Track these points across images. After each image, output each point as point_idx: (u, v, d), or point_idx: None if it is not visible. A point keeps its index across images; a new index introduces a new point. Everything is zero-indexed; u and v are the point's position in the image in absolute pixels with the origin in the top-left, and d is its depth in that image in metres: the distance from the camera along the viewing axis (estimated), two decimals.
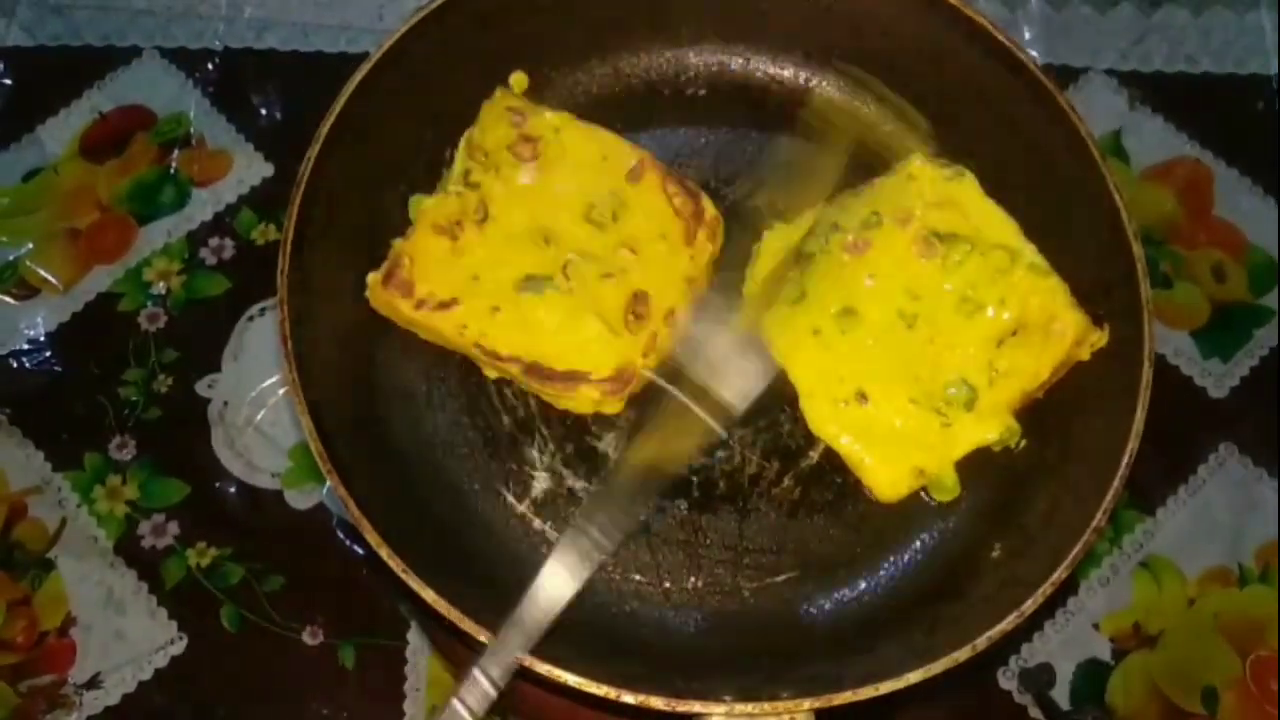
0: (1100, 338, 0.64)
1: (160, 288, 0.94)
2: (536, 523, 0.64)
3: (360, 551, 0.84)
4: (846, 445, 0.63)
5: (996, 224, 0.65)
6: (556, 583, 0.56)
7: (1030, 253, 0.64)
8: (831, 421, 0.64)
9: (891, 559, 0.65)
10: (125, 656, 0.81)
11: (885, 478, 0.63)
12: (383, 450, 0.64)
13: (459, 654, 0.72)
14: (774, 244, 0.67)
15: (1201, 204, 0.99)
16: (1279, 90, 1.03)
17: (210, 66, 1.03)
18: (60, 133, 1.00)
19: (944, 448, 0.63)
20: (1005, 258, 0.64)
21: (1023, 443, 0.66)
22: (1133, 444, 0.58)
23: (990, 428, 0.63)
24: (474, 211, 0.65)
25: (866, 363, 0.64)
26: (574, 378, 0.63)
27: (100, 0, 1.05)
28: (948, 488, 0.64)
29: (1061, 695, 0.81)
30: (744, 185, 0.74)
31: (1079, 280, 0.65)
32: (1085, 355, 0.64)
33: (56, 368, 0.91)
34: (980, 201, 0.66)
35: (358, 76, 0.65)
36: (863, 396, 0.63)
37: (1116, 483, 0.58)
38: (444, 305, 0.64)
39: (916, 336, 0.64)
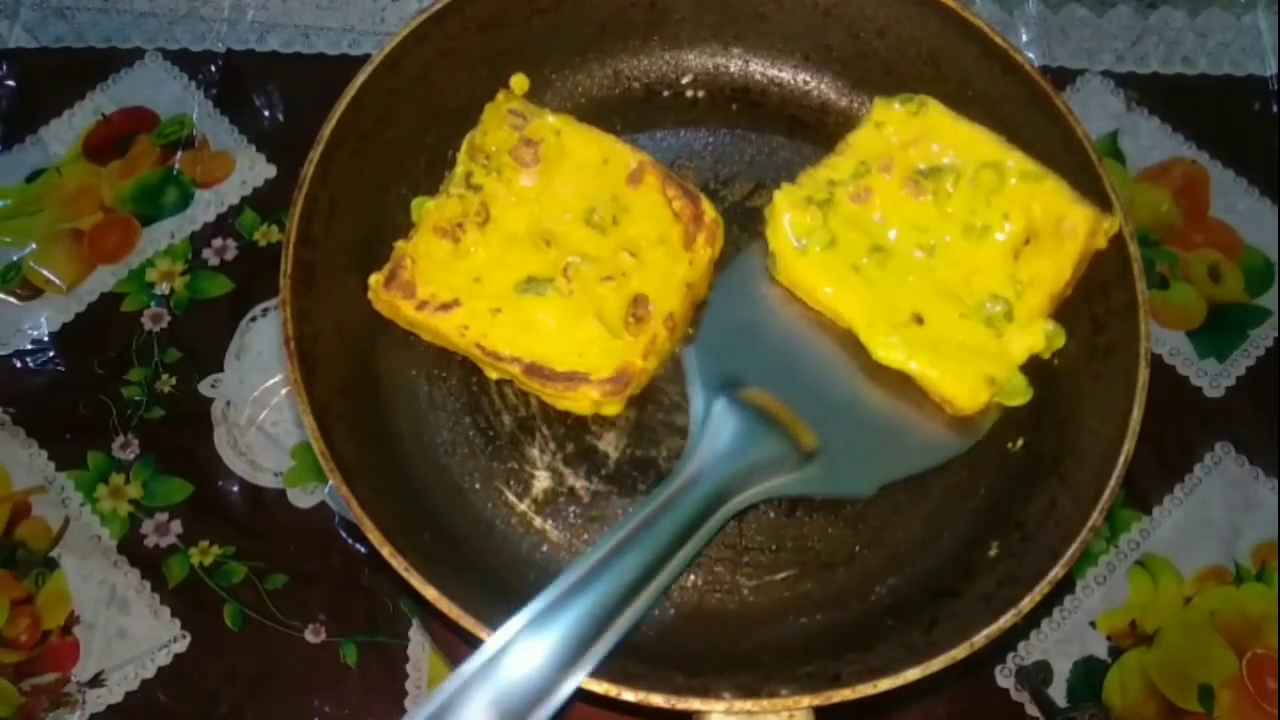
0: (1113, 223, 0.64)
1: (163, 288, 0.94)
2: (537, 521, 0.64)
3: (362, 550, 0.84)
4: (918, 368, 0.63)
5: (974, 142, 0.66)
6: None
7: (1017, 160, 0.65)
8: (897, 347, 0.63)
9: (890, 557, 0.65)
10: (128, 655, 0.81)
11: (964, 389, 0.63)
12: (385, 449, 0.64)
13: (460, 652, 0.72)
14: (785, 203, 0.67)
15: (1198, 205, 0.99)
16: (1275, 91, 1.04)
17: (213, 68, 1.03)
18: (63, 134, 1.00)
19: (1004, 355, 0.63)
20: (993, 175, 0.65)
21: (1020, 441, 0.66)
22: (1129, 443, 0.59)
23: (1033, 336, 0.63)
24: (475, 214, 0.66)
25: (910, 289, 0.64)
26: (574, 379, 0.63)
27: (103, 2, 1.06)
28: (1020, 389, 0.64)
29: (1058, 693, 0.81)
30: (743, 187, 0.74)
31: (1078, 280, 0.66)
32: (1102, 244, 0.65)
33: (60, 368, 0.91)
34: (952, 125, 0.67)
35: (360, 79, 0.66)
36: (918, 318, 0.64)
37: (1113, 482, 0.58)
38: (445, 306, 0.64)
39: (942, 264, 0.65)
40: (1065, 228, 0.63)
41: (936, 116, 0.67)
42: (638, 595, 0.53)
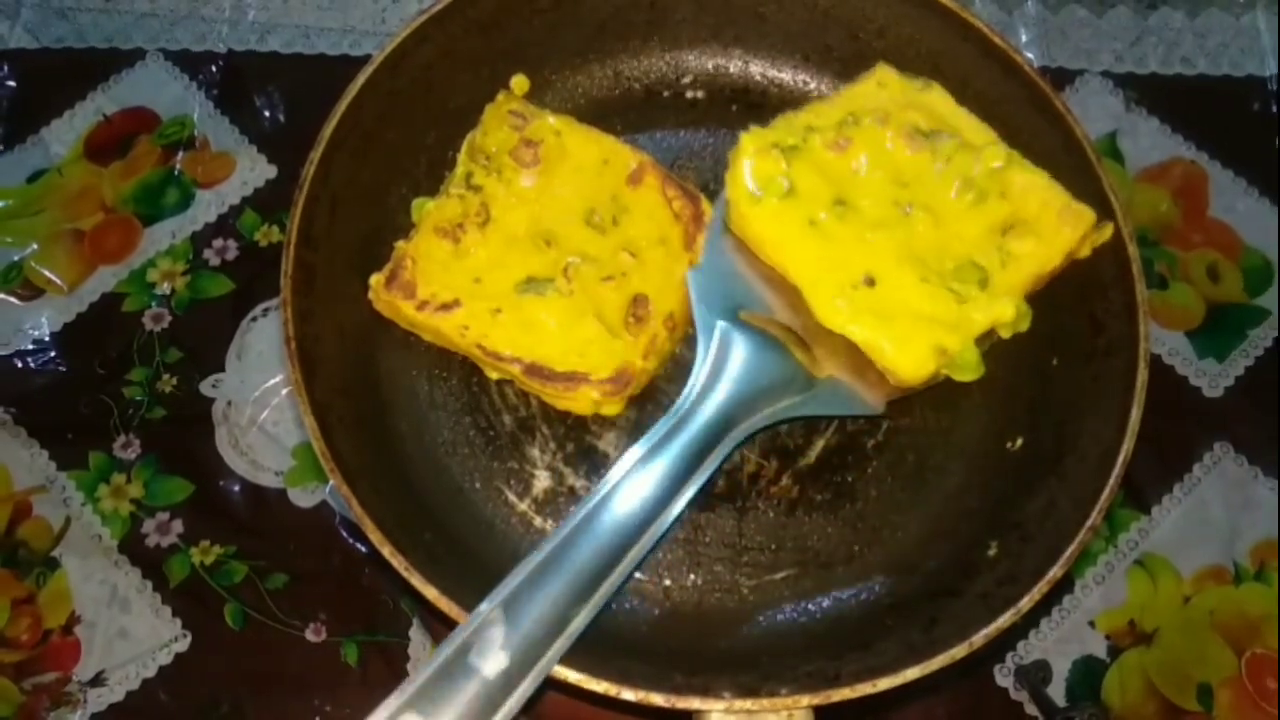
0: (1103, 232, 0.63)
1: (164, 288, 0.94)
2: (537, 521, 0.64)
3: (363, 549, 0.84)
4: (859, 331, 0.60)
5: (975, 128, 0.65)
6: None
7: (1017, 156, 0.64)
8: (840, 311, 0.60)
9: (889, 557, 0.65)
10: (129, 654, 0.81)
11: (906, 358, 0.60)
12: (385, 449, 0.64)
13: None
14: (750, 147, 0.64)
15: (1197, 205, 0.99)
16: (1274, 92, 1.04)
17: (214, 69, 1.04)
18: (65, 135, 1.01)
19: (962, 325, 0.60)
20: (997, 154, 0.63)
21: (1019, 441, 0.66)
22: (1128, 443, 0.59)
23: (1004, 307, 0.60)
24: (476, 214, 0.66)
25: (868, 248, 0.61)
26: (574, 379, 0.64)
27: (104, 3, 1.06)
28: (971, 365, 0.61)
29: (1057, 692, 0.81)
30: None
31: (1076, 280, 0.66)
32: (1086, 251, 0.64)
33: (61, 368, 0.91)
34: (954, 108, 0.66)
35: (360, 79, 0.66)
36: (870, 280, 0.60)
37: (1112, 481, 0.58)
38: (446, 307, 0.64)
39: (916, 222, 0.62)
40: (1062, 218, 0.62)
41: (940, 97, 0.66)
42: (648, 527, 0.53)
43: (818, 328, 0.61)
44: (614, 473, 0.54)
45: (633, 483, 0.54)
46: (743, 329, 0.61)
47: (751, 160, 0.63)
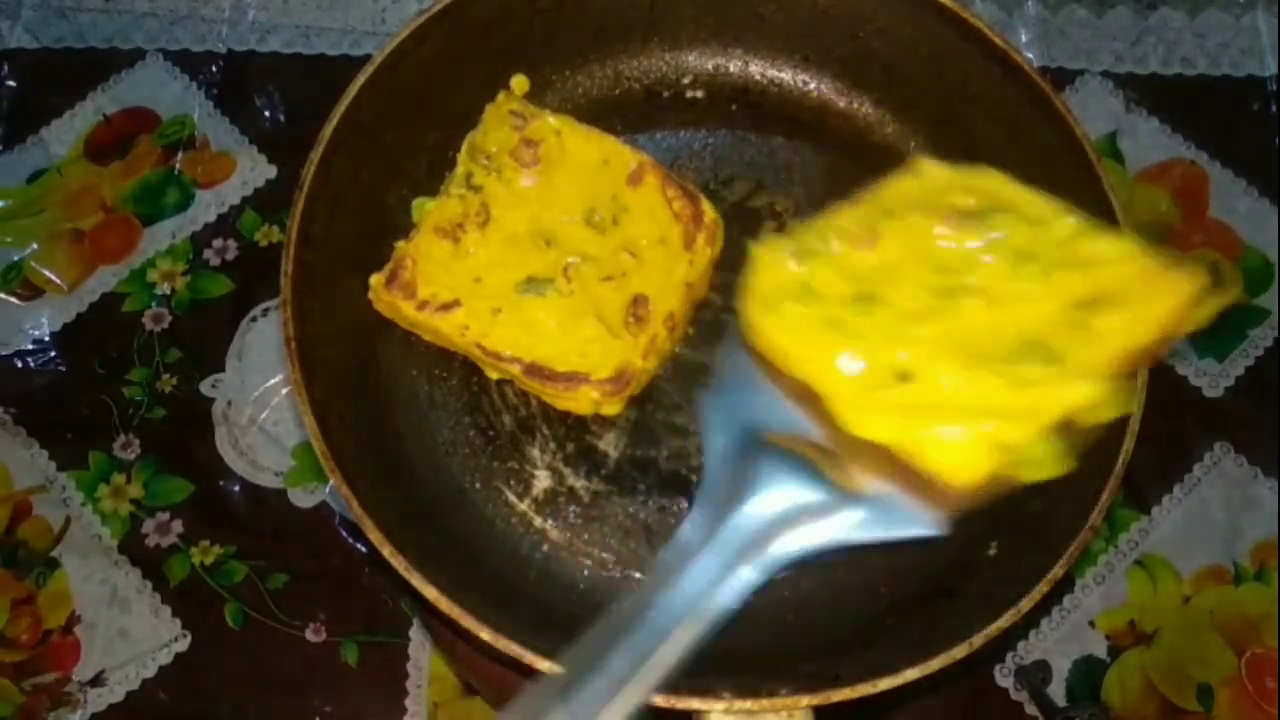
0: (1224, 295, 0.50)
1: (164, 288, 0.94)
2: (537, 521, 0.64)
3: (363, 549, 0.84)
4: (890, 434, 0.50)
5: (1037, 203, 0.54)
6: None
7: (1095, 224, 0.52)
8: (872, 414, 0.50)
9: (889, 557, 0.65)
10: (129, 654, 0.81)
11: (952, 457, 0.49)
12: (385, 449, 0.64)
13: (461, 651, 0.73)
14: (764, 259, 0.56)
15: (1197, 205, 0.99)
16: (1274, 92, 1.04)
17: (214, 69, 1.04)
18: (65, 134, 1.01)
19: (1027, 413, 0.49)
20: (1064, 223, 0.52)
21: None
22: (1128, 443, 0.59)
23: (1081, 388, 0.49)
24: (476, 214, 0.66)
25: (901, 341, 0.51)
26: (574, 379, 0.64)
27: (104, 3, 1.06)
28: (1045, 460, 0.49)
29: (1058, 692, 0.81)
30: (743, 187, 0.74)
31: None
32: (1203, 317, 0.51)
33: (61, 368, 0.91)
34: (1010, 186, 0.54)
35: (360, 79, 0.66)
36: (904, 376, 0.50)
37: (1112, 481, 0.58)
38: (446, 307, 0.64)
39: (964, 308, 0.51)
40: (1156, 283, 0.50)
41: (993, 179, 0.55)
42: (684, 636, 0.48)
43: (852, 440, 0.51)
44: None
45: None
46: (767, 452, 0.54)
47: (767, 272, 0.54)
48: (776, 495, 0.52)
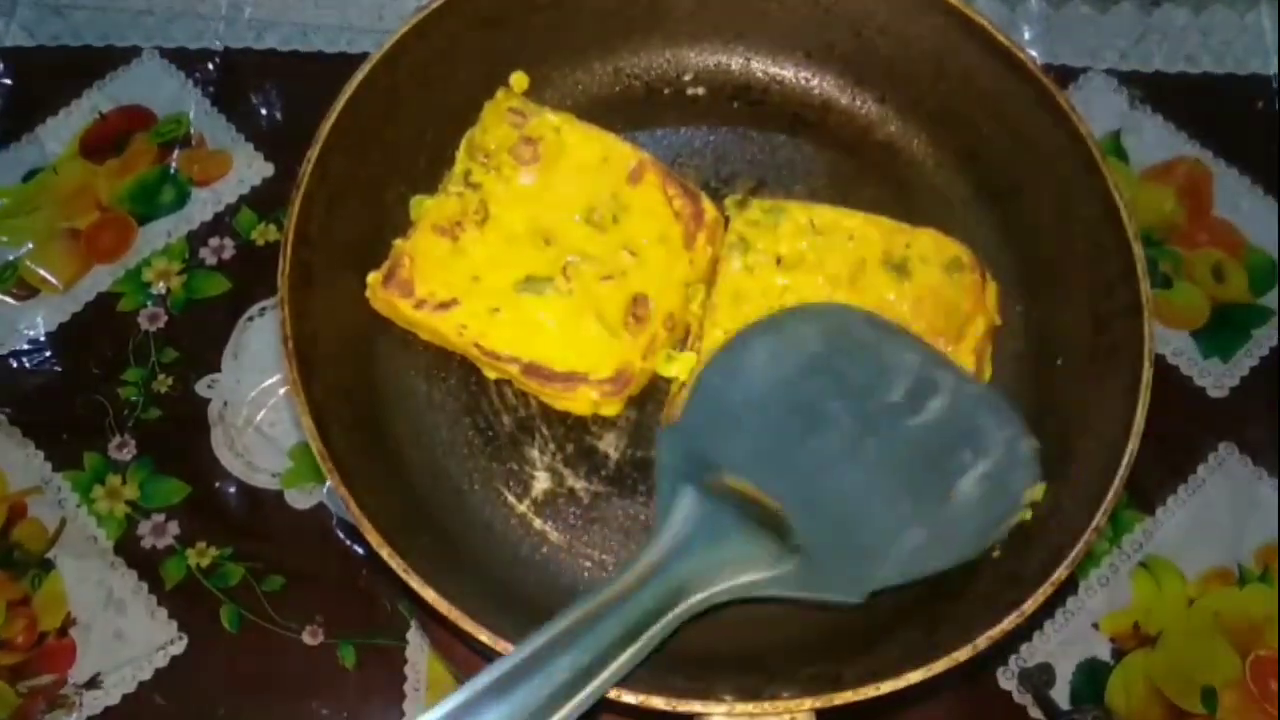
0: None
1: (160, 288, 0.94)
2: (537, 522, 0.64)
3: (360, 551, 0.84)
4: None
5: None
6: None
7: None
8: None
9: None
10: (125, 656, 0.81)
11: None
12: (383, 450, 0.64)
13: (459, 653, 0.72)
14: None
15: (1201, 204, 0.99)
16: (1279, 90, 1.04)
17: (210, 66, 1.03)
18: (60, 133, 1.00)
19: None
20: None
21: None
22: (1132, 444, 0.58)
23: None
24: (474, 212, 0.65)
25: None
26: (573, 379, 0.63)
27: (100, 0, 1.05)
28: None
29: (1061, 695, 0.81)
30: (745, 186, 0.74)
31: (1078, 280, 0.65)
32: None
33: (56, 368, 0.91)
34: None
35: (358, 76, 0.65)
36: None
37: (1116, 482, 0.58)
38: (444, 305, 0.64)
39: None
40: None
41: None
42: (566, 702, 0.47)
43: (821, 493, 0.59)
44: (532, 638, 0.48)
45: (557, 655, 0.48)
46: (710, 495, 0.57)
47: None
48: (721, 548, 0.55)
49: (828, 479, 0.60)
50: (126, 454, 0.87)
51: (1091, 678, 0.82)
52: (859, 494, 0.60)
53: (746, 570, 0.55)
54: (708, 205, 0.67)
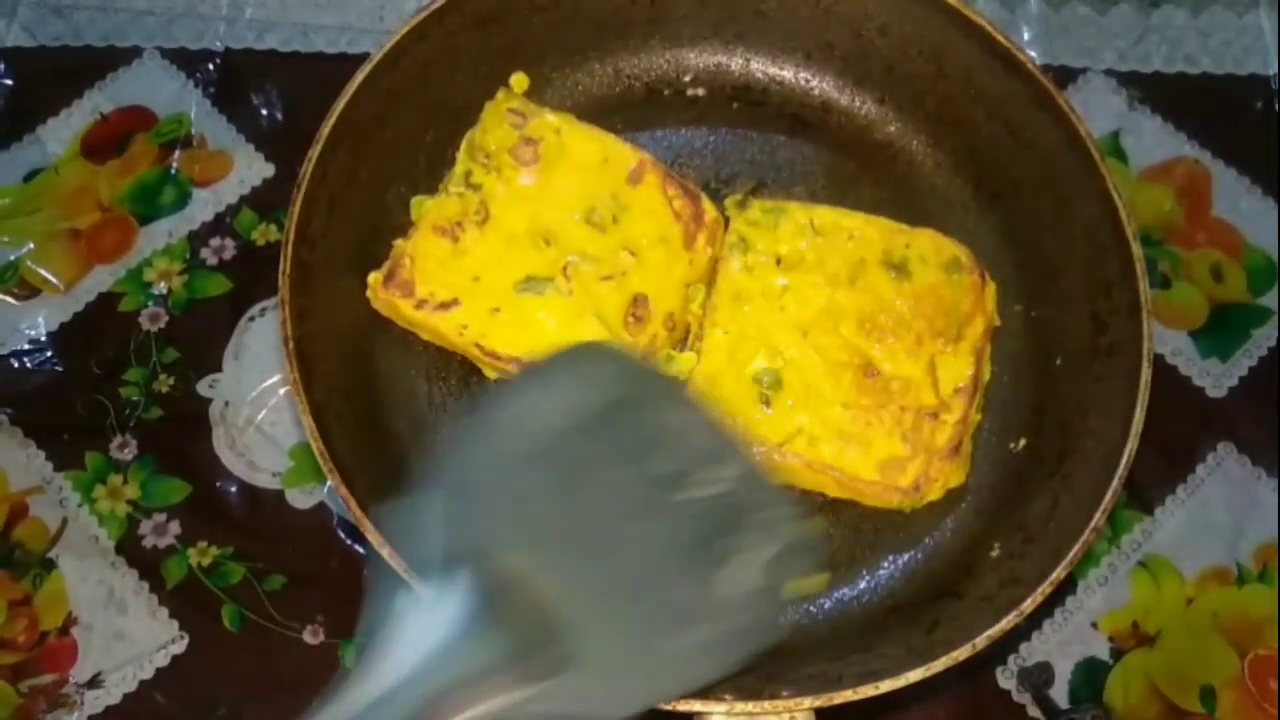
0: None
1: (161, 288, 0.94)
2: None
3: (361, 550, 0.84)
4: None
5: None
6: None
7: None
8: None
9: (891, 559, 0.65)
10: (126, 656, 0.81)
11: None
12: (383, 449, 0.64)
13: None
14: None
15: (1200, 204, 0.99)
16: (1278, 90, 1.04)
17: (211, 67, 1.03)
18: (61, 133, 1.00)
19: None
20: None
21: (1022, 442, 0.66)
22: (1131, 443, 0.59)
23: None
24: (475, 212, 0.65)
25: None
26: None
27: (101, 1, 1.05)
28: None
29: (1060, 694, 0.81)
30: (744, 186, 0.74)
31: (1077, 280, 0.66)
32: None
33: (57, 368, 0.91)
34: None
35: (359, 77, 0.66)
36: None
37: (1115, 482, 0.58)
38: (444, 306, 0.64)
39: None
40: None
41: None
42: None
43: (616, 581, 0.48)
44: None
45: None
46: (460, 588, 0.46)
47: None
48: (459, 648, 0.45)
49: (604, 562, 0.49)
50: (128, 454, 0.87)
51: (1090, 677, 0.82)
52: (635, 580, 0.50)
53: (493, 687, 0.44)
54: (708, 206, 0.67)
